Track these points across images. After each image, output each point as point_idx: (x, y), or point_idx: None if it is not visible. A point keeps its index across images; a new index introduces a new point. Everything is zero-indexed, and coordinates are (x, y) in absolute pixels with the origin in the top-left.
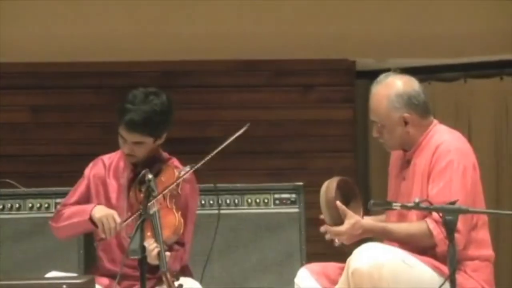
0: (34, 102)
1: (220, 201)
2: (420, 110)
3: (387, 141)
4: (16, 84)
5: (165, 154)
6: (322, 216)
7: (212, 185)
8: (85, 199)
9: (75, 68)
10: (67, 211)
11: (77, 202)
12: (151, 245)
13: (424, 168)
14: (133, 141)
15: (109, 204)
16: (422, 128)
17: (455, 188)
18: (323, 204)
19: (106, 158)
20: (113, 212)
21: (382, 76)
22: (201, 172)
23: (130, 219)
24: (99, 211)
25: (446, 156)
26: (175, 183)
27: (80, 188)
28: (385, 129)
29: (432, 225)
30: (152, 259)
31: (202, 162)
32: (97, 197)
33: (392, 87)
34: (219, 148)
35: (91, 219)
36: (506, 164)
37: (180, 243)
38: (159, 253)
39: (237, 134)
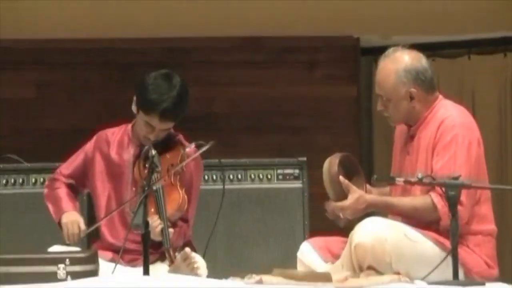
0: (39, 78)
1: (223, 177)
2: (427, 85)
3: (392, 115)
4: (21, 60)
5: (171, 131)
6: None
7: (216, 160)
8: (79, 174)
9: (80, 45)
10: (58, 190)
11: (71, 176)
12: (154, 221)
13: (428, 142)
14: (164, 128)
15: (113, 180)
16: (428, 104)
17: (459, 162)
18: (326, 180)
19: (110, 132)
20: (79, 220)
21: (390, 50)
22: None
23: (95, 226)
24: (67, 217)
25: (451, 131)
26: (180, 166)
27: (76, 161)
28: (391, 103)
29: (436, 199)
30: (155, 236)
31: (181, 165)
32: (100, 172)
33: (400, 62)
34: (187, 161)
35: (59, 222)
36: (510, 140)
37: (184, 219)
38: (162, 230)
39: (202, 150)
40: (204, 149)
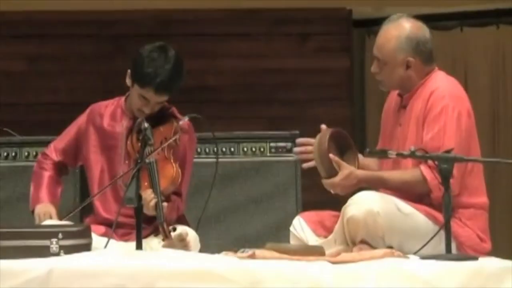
0: (32, 50)
1: (216, 150)
2: (425, 56)
3: (385, 79)
4: (13, 32)
5: (165, 104)
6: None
7: (209, 133)
8: (72, 147)
9: (73, 17)
10: (44, 172)
11: (63, 150)
12: (148, 195)
13: (419, 113)
14: (159, 101)
15: (106, 153)
16: (422, 74)
17: (449, 133)
18: (316, 157)
19: (103, 105)
20: (51, 211)
21: (395, 16)
22: (198, 120)
23: (69, 216)
24: (40, 208)
25: (441, 102)
26: (173, 139)
27: (69, 135)
28: (386, 66)
29: (426, 171)
30: (149, 210)
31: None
32: (94, 145)
33: (404, 29)
34: (174, 138)
35: (33, 211)
36: (502, 112)
37: (177, 193)
38: (156, 204)
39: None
40: (192, 116)
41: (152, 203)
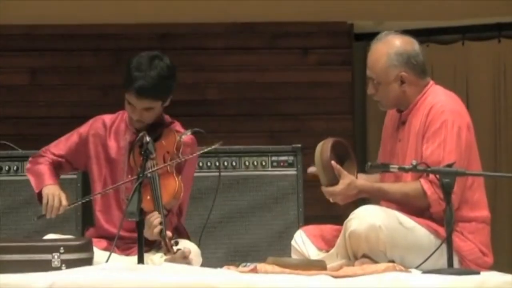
0: (33, 64)
1: (218, 163)
2: (418, 70)
3: (382, 99)
4: (15, 46)
5: (168, 118)
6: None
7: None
8: (72, 155)
9: (74, 30)
10: (41, 165)
11: (62, 156)
12: (155, 219)
13: (418, 128)
14: (143, 107)
15: (109, 166)
16: (419, 88)
17: (449, 148)
18: (318, 165)
19: (108, 118)
20: (62, 195)
21: (382, 34)
22: (200, 134)
23: (78, 203)
24: (49, 189)
25: (441, 117)
26: (183, 159)
27: (69, 142)
28: (381, 86)
29: (426, 185)
30: (152, 235)
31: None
32: (97, 157)
33: (392, 45)
34: (190, 157)
35: (39, 193)
36: (504, 126)
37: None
38: (161, 231)
39: (207, 149)
40: (207, 149)
41: (157, 229)
